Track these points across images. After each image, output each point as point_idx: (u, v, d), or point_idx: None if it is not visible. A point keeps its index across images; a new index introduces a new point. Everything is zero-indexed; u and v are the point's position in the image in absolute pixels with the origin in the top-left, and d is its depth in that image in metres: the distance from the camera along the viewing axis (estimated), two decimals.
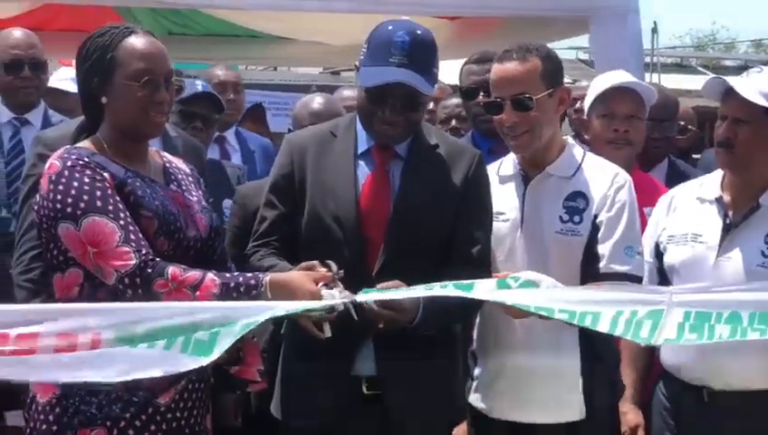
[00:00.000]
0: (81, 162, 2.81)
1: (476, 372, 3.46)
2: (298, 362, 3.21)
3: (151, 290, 2.70)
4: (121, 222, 2.75)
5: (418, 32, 3.13)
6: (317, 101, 4.23)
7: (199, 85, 4.74)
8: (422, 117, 3.25)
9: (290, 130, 3.83)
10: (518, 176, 3.40)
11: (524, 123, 3.28)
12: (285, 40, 8.45)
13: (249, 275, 2.81)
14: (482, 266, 3.14)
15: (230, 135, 5.55)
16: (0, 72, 4.76)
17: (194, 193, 3.05)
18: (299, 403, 3.22)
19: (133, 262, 2.71)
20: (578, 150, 3.44)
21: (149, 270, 2.71)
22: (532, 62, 3.28)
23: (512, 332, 3.30)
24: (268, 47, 8.52)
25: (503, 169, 3.47)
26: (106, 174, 2.81)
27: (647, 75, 7.23)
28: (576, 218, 3.29)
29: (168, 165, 3.07)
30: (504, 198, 3.37)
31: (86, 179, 2.78)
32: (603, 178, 3.36)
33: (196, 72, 5.48)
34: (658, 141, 4.52)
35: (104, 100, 2.91)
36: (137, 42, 2.92)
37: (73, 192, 2.77)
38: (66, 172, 2.79)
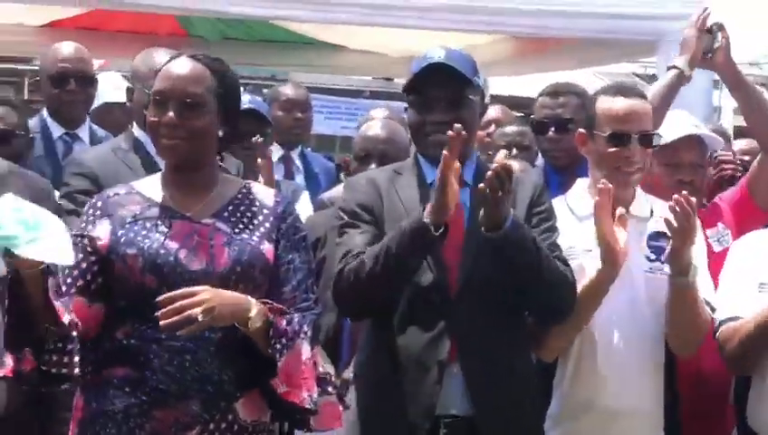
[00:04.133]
0: (93, 203, 2.85)
1: (552, 408, 3.34)
2: (377, 395, 3.13)
3: None
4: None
5: (452, 46, 3.22)
6: (376, 125, 3.97)
7: (246, 102, 4.54)
8: (474, 117, 3.17)
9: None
10: None
11: (642, 159, 3.39)
12: (340, 48, 8.37)
13: None
14: (568, 266, 3.16)
15: (295, 155, 5.45)
16: (46, 86, 4.71)
17: (246, 227, 2.82)
18: None
19: None
20: (640, 191, 3.47)
21: None
22: (647, 103, 3.44)
23: (602, 361, 3.27)
24: (323, 55, 8.43)
25: (577, 207, 3.42)
26: (104, 219, 2.78)
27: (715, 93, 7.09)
28: (662, 258, 3.31)
29: (238, 198, 2.89)
30: (588, 236, 3.29)
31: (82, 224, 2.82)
32: None
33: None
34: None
35: None
36: (169, 64, 2.82)
37: None
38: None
